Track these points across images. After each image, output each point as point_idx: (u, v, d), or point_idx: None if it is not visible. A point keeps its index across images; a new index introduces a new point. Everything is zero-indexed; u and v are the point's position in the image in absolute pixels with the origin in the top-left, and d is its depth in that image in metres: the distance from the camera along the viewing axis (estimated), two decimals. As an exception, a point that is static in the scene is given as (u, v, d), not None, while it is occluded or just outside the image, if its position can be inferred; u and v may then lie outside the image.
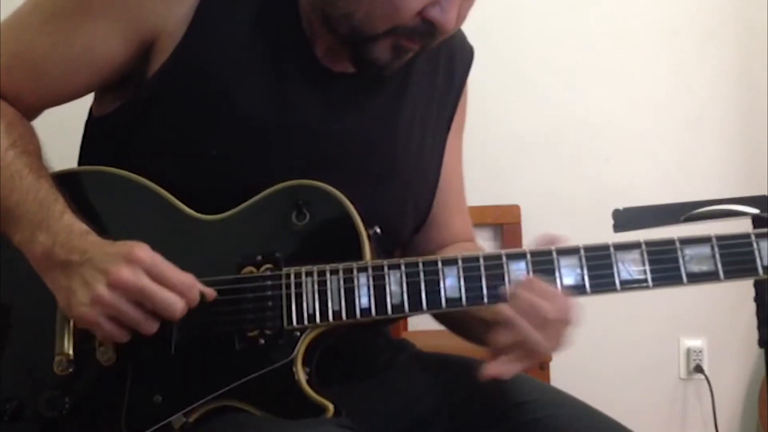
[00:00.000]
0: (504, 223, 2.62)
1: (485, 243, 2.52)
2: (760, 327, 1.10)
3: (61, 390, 0.97)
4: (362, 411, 1.08)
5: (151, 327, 0.93)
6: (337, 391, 1.01)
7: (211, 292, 0.95)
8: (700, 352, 2.69)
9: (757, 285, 1.12)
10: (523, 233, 2.62)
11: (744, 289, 1.10)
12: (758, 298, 1.10)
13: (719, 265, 0.93)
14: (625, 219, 1.18)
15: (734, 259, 0.94)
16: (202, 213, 1.02)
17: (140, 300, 0.91)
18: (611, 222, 1.19)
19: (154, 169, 1.04)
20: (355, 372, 1.12)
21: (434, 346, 1.27)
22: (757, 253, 0.93)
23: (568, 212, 2.61)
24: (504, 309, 0.96)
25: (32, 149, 1.02)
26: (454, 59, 1.22)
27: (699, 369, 2.67)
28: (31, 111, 1.08)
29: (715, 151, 2.68)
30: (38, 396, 0.97)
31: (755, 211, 1.07)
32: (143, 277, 0.91)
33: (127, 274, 0.90)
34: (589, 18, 2.66)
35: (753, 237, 0.94)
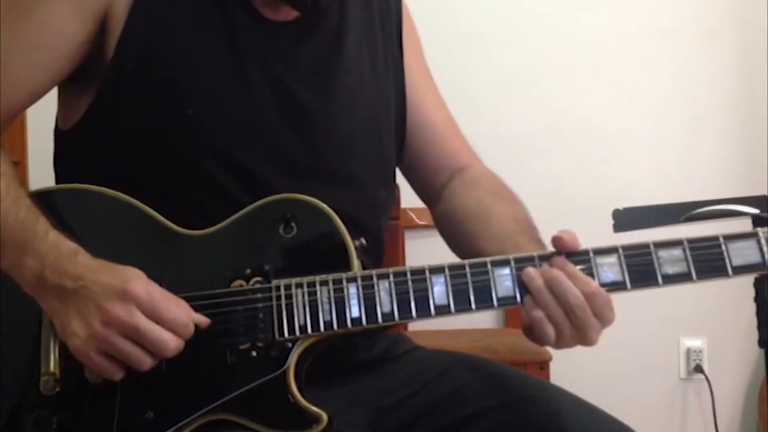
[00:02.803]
0: (504, 222, 2.61)
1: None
2: (760, 327, 1.09)
3: (49, 409, 0.96)
4: (361, 404, 1.09)
5: (143, 363, 0.92)
6: (335, 385, 1.02)
7: (205, 321, 0.95)
8: (700, 352, 2.69)
9: (757, 285, 1.11)
10: (523, 233, 2.61)
11: (744, 289, 1.09)
12: (758, 298, 1.09)
13: (692, 267, 0.96)
14: (625, 219, 1.18)
15: (706, 260, 0.97)
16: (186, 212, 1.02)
17: (133, 337, 0.91)
18: (611, 222, 1.19)
19: (135, 167, 1.04)
20: (354, 365, 1.12)
21: (434, 346, 1.27)
22: (726, 254, 0.96)
23: (568, 212, 2.60)
24: (534, 278, 0.96)
25: (6, 169, 1.00)
26: None
27: (699, 369, 2.67)
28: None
29: (715, 151, 2.68)
30: (25, 416, 0.96)
31: (755, 211, 1.07)
32: (138, 316, 0.91)
33: (122, 312, 0.90)
34: (588, 18, 2.66)
35: (721, 239, 0.97)
